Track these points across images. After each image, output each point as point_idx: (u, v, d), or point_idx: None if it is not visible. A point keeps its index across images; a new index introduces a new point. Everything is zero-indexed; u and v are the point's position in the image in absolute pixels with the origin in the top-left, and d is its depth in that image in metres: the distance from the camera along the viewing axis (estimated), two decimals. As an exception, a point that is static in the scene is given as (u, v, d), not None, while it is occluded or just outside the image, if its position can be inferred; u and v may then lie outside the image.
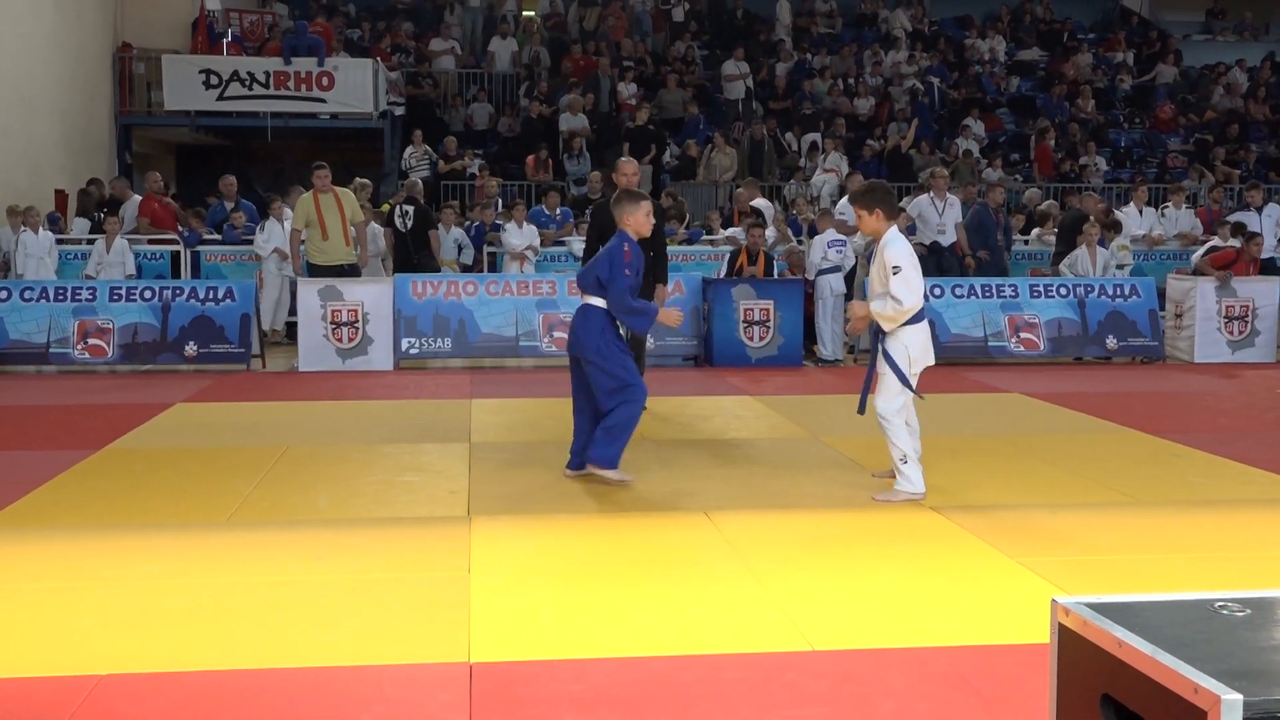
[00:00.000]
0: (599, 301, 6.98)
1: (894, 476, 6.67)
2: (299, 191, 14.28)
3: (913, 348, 6.55)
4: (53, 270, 13.69)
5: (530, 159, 18.60)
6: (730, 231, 15.45)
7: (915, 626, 4.62)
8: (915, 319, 6.52)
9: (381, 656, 4.26)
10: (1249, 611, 2.20)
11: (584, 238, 15.33)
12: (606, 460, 6.92)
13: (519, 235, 14.60)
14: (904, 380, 6.54)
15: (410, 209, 14.30)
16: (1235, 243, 13.49)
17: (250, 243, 14.45)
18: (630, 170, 9.22)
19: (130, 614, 4.73)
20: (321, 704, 3.90)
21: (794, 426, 8.93)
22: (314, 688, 4.02)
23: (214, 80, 18.70)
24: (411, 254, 14.05)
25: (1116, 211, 15.47)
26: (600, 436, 6.91)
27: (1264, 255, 14.26)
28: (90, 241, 14.47)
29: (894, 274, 6.37)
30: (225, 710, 3.86)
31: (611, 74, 20.95)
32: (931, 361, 6.70)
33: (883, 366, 6.60)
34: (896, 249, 6.48)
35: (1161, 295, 13.55)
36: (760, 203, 16.54)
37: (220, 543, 5.78)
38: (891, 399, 6.55)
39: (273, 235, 13.99)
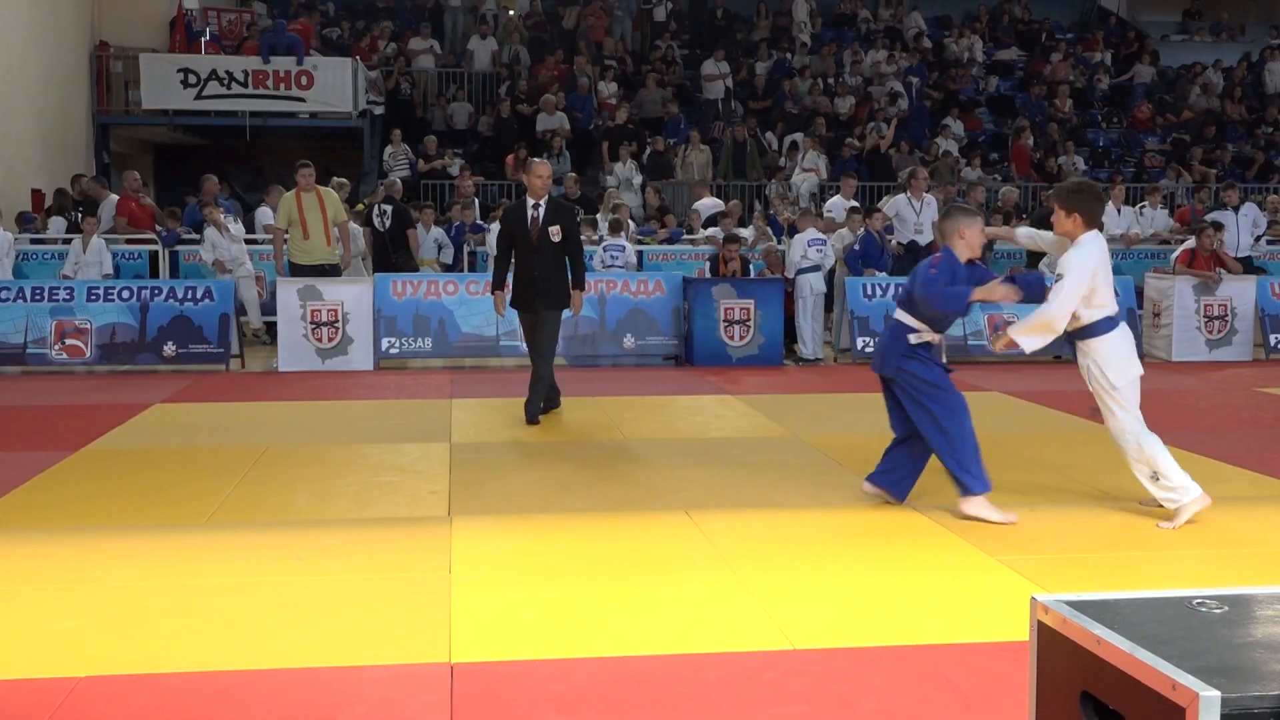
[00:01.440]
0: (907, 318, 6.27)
1: (1161, 505, 6.12)
2: (279, 191, 14.21)
3: (1109, 362, 5.94)
4: (9, 270, 13.51)
5: (509, 158, 18.57)
6: (710, 231, 15.46)
7: (896, 625, 4.64)
8: (1106, 327, 5.95)
9: (362, 657, 4.25)
10: (1226, 609, 2.21)
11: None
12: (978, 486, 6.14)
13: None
14: (1118, 396, 5.97)
15: (388, 208, 14.26)
16: (1191, 242, 13.54)
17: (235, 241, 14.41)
18: (544, 172, 9.03)
19: (109, 615, 4.71)
20: (302, 705, 3.89)
21: (775, 426, 8.94)
22: (294, 688, 4.01)
23: (192, 79, 18.62)
24: (390, 253, 14.01)
25: None
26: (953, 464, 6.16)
27: (1241, 254, 14.35)
28: (66, 241, 14.38)
29: (1057, 279, 5.86)
30: (205, 712, 3.84)
31: (591, 73, 20.94)
32: (1138, 370, 6.06)
33: (1093, 385, 6.04)
34: (1074, 255, 5.89)
35: (1140, 294, 13.62)
36: (707, 203, 16.56)
37: (199, 544, 5.76)
38: (1115, 419, 6.00)
39: (216, 245, 13.80)
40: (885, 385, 6.39)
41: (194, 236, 14.78)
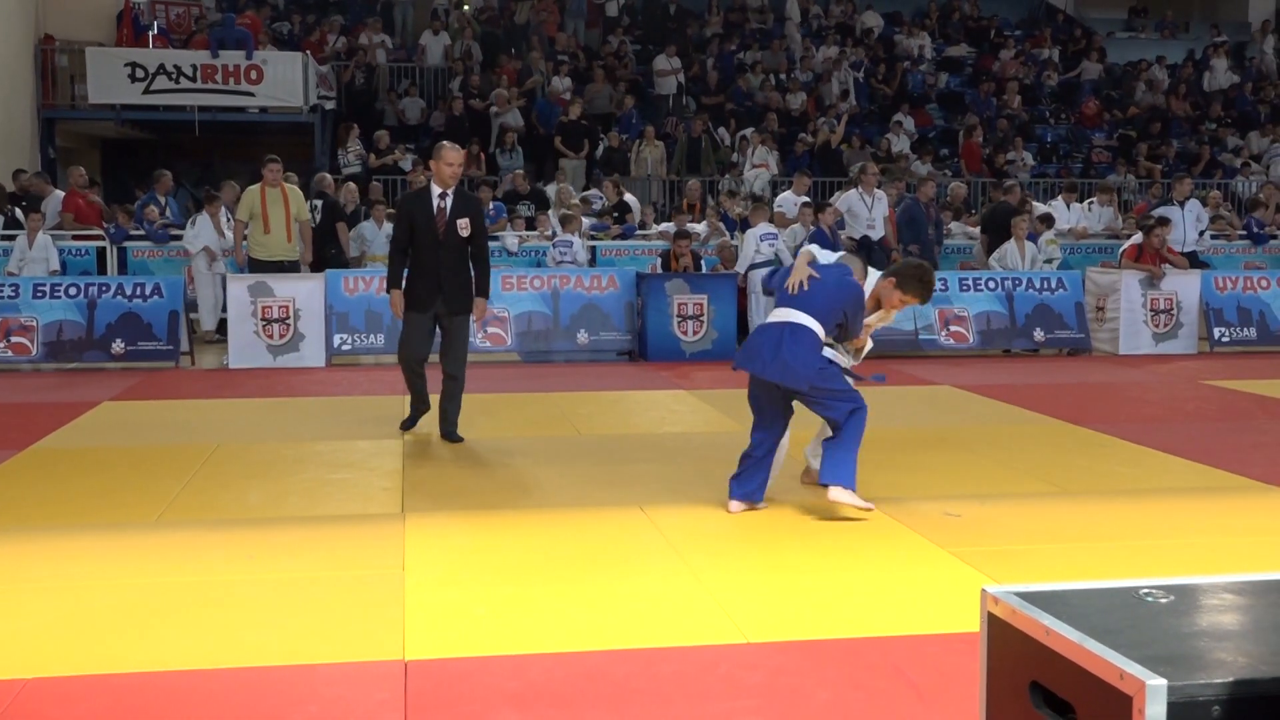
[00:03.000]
0: (808, 320, 6.02)
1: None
2: (230, 186, 14.08)
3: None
4: None
5: (463, 154, 18.48)
6: (663, 226, 15.48)
7: (848, 617, 4.67)
8: None
9: (315, 655, 4.23)
10: (1172, 598, 2.25)
11: (518, 233, 15.35)
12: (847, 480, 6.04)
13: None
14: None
15: (319, 203, 14.12)
16: (1138, 238, 13.72)
17: (177, 238, 14.26)
18: (455, 159, 8.04)
19: (57, 616, 4.65)
20: (254, 704, 3.86)
21: (728, 420, 8.96)
22: (246, 688, 3.98)
23: (140, 73, 18.39)
24: (322, 247, 13.81)
25: (1041, 205, 15.72)
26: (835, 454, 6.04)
27: (1187, 249, 14.55)
28: (9, 238, 14.18)
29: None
30: (156, 712, 3.81)
31: (545, 68, 20.89)
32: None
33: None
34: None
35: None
36: (627, 199, 16.61)
37: (149, 543, 5.71)
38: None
39: (203, 231, 13.74)
40: (762, 386, 6.17)
41: (139, 232, 14.62)
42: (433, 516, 6.17)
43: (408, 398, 8.58)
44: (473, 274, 8.11)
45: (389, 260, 8.43)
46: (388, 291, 8.27)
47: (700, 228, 14.85)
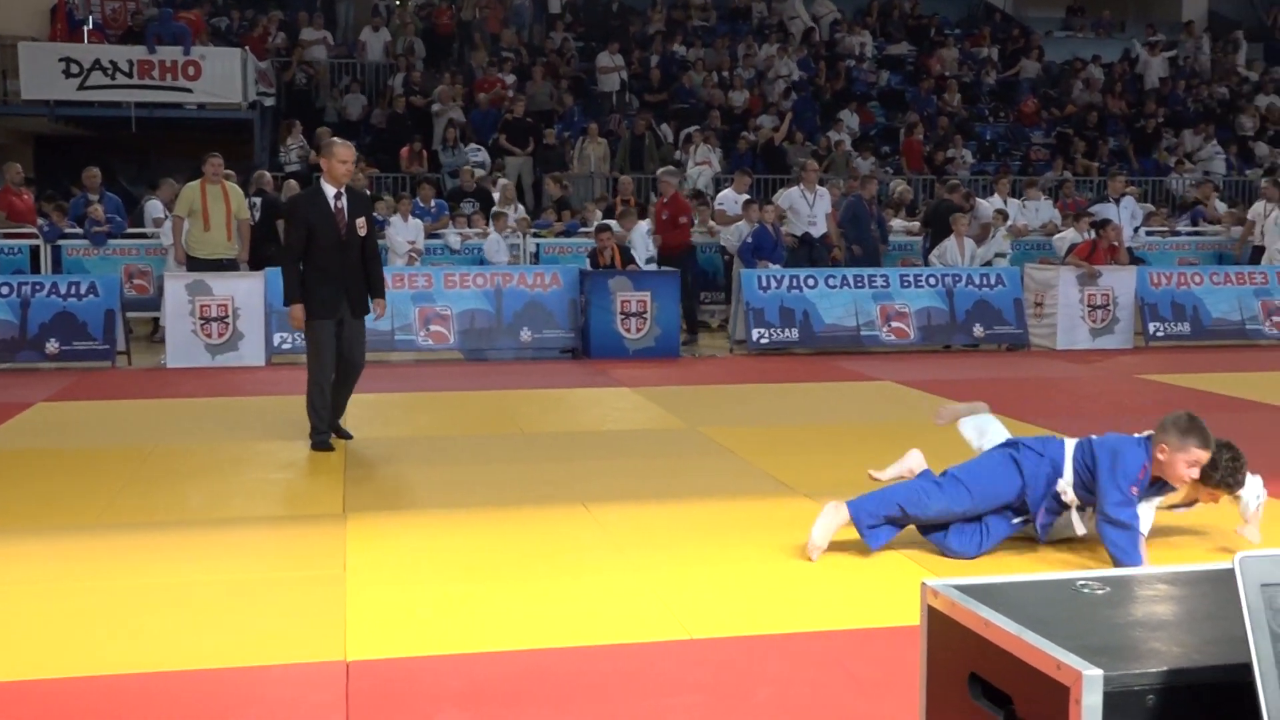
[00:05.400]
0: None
1: None
2: (169, 184, 13.90)
3: None
4: None
5: (405, 150, 18.38)
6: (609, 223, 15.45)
7: (790, 612, 4.69)
8: None
9: (256, 657, 4.19)
10: (1108, 589, 2.28)
11: (459, 230, 15.28)
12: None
13: (404, 230, 14.41)
14: None
15: (258, 201, 13.96)
16: (1091, 234, 13.95)
17: (113, 236, 14.07)
18: (348, 156, 7.72)
19: (-9, 621, 4.57)
20: (195, 707, 3.81)
21: (671, 418, 8.98)
22: (187, 690, 3.93)
23: (75, 69, 18.10)
24: (261, 246, 13.64)
25: (995, 201, 15.91)
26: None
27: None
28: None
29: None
30: (95, 717, 3.75)
31: (488, 65, 20.79)
32: None
33: None
34: None
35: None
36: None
37: (87, 546, 5.62)
38: None
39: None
40: None
41: (77, 231, 14.39)
42: (374, 516, 6.13)
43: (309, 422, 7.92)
44: (366, 274, 7.84)
45: (284, 269, 7.79)
46: (286, 305, 7.79)
47: (643, 224, 14.83)
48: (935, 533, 5.36)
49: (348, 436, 8.05)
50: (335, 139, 7.93)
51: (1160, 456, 5.00)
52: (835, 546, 5.57)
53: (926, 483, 5.40)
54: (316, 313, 7.66)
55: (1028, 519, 5.34)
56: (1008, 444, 5.51)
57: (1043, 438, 5.52)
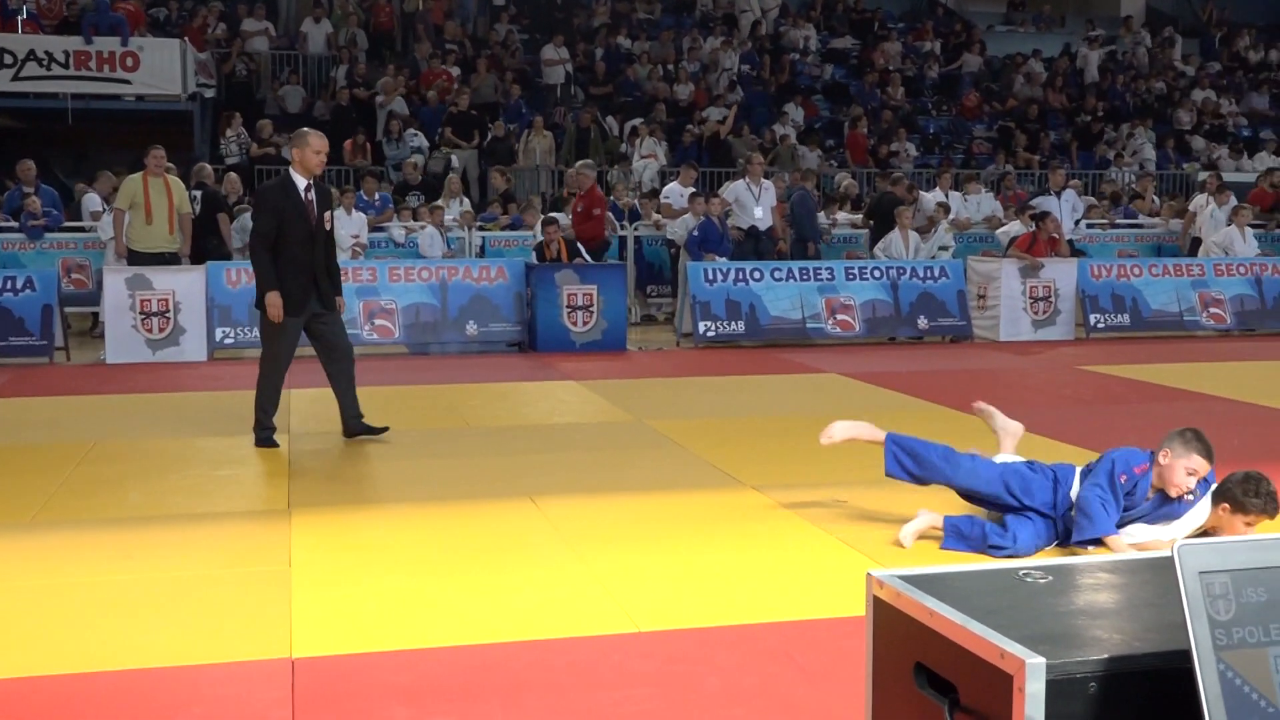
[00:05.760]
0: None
1: None
2: (106, 177, 13.69)
3: None
4: None
5: (348, 143, 18.23)
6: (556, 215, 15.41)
7: (739, 604, 4.71)
8: None
9: (200, 656, 4.14)
10: (1050, 578, 2.31)
11: (404, 224, 15.19)
12: None
13: (349, 223, 14.29)
14: None
15: (198, 194, 13.80)
16: (1032, 226, 14.11)
17: (50, 229, 13.84)
18: (321, 147, 7.52)
19: (-74, 622, 4.49)
20: (139, 707, 3.77)
21: (618, 411, 8.98)
22: (130, 690, 3.88)
23: (8, 59, 17.76)
24: (202, 239, 13.48)
25: (936, 195, 16.05)
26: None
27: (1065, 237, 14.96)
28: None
29: None
30: (36, 718, 3.70)
31: (431, 57, 20.67)
32: None
33: None
34: None
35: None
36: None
37: (23, 544, 5.53)
38: None
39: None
40: None
41: (12, 224, 14.15)
42: (319, 512, 6.08)
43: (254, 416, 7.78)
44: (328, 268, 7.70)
45: (255, 258, 7.54)
46: (261, 294, 7.49)
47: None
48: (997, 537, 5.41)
49: (380, 430, 7.83)
50: (309, 130, 7.73)
51: (1163, 460, 5.15)
52: (782, 539, 5.61)
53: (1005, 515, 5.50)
54: (286, 309, 7.48)
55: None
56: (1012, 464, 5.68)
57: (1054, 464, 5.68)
